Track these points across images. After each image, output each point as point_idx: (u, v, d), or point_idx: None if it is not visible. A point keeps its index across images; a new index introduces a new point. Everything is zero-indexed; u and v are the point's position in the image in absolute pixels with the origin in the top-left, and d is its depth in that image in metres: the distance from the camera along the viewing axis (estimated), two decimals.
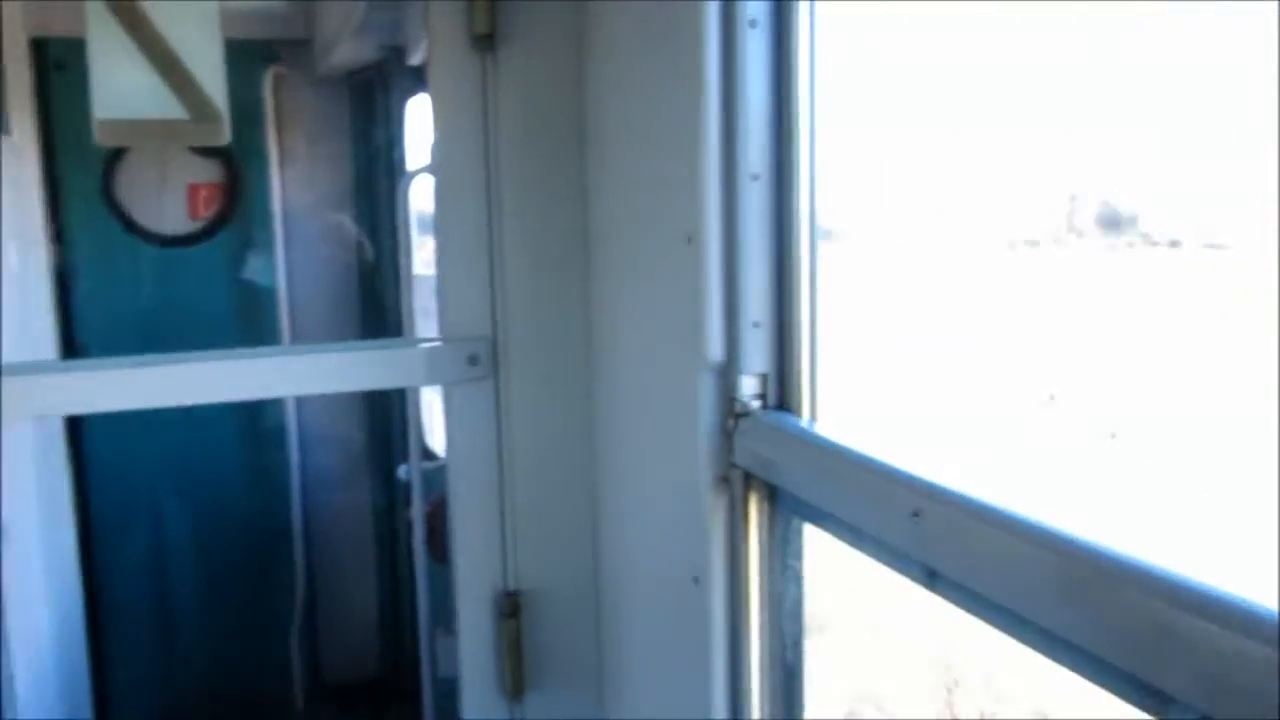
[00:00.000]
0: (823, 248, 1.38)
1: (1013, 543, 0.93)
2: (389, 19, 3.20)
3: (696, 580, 1.43)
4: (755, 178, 1.34)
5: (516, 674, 1.80)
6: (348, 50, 3.55)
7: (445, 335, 1.79)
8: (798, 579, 1.39)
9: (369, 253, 4.14)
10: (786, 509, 1.37)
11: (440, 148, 1.77)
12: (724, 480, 1.39)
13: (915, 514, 1.04)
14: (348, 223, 4.19)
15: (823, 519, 1.27)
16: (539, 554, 1.80)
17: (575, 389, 1.77)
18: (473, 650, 1.83)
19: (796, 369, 1.36)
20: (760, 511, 1.39)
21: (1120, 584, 0.80)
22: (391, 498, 4.04)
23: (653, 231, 1.49)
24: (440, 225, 1.79)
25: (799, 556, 1.39)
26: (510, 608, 1.80)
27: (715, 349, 1.38)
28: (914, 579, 1.11)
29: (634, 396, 1.60)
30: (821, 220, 1.37)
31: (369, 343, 2.37)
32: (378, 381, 1.98)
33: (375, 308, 4.11)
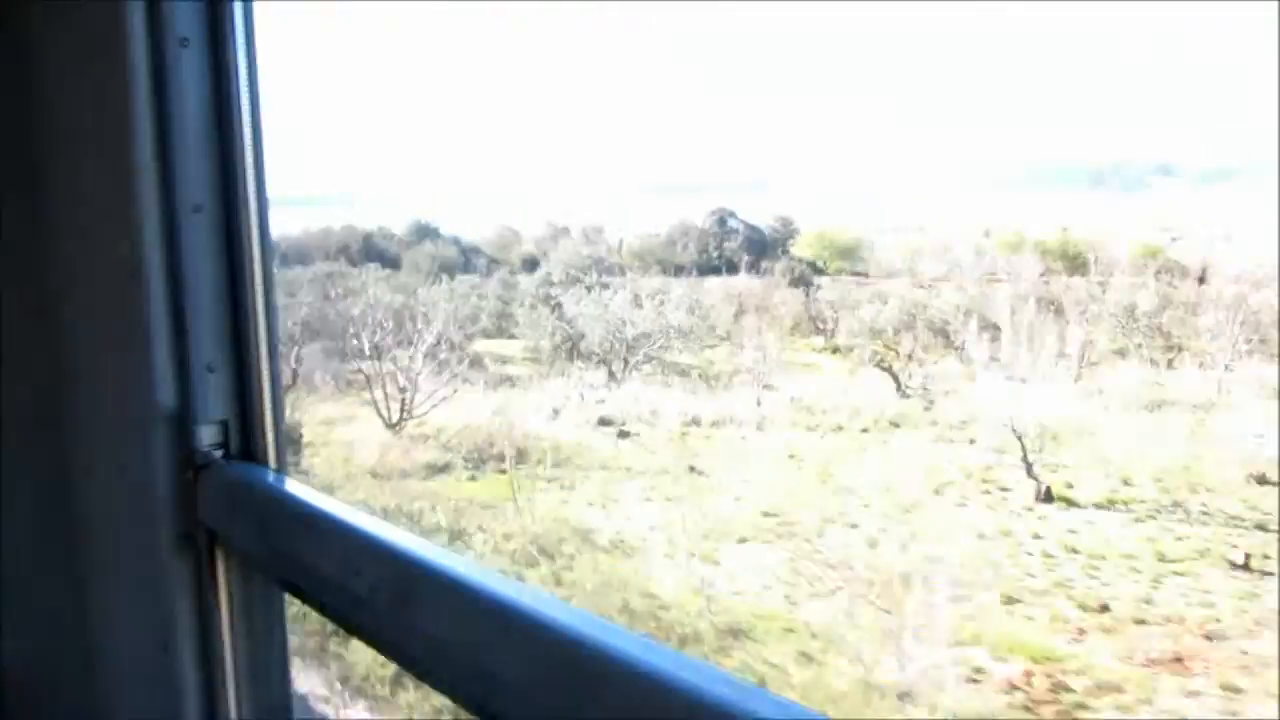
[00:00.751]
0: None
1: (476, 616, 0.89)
2: None
3: (165, 647, 1.29)
4: (198, 209, 1.23)
5: None
6: None
7: None
8: (280, 641, 1.30)
9: None
10: (257, 569, 1.27)
11: None
12: (188, 539, 1.27)
13: (378, 586, 0.99)
14: None
15: (295, 580, 1.18)
16: (18, 634, 1.57)
17: (37, 445, 1.52)
18: None
19: (258, 415, 1.27)
20: (230, 571, 1.27)
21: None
22: None
23: (98, 268, 1.33)
24: None
25: (280, 617, 1.30)
26: None
27: (166, 395, 1.25)
28: (384, 654, 1.05)
29: (97, 451, 1.42)
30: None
31: None
32: None
33: None
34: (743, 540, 13.87)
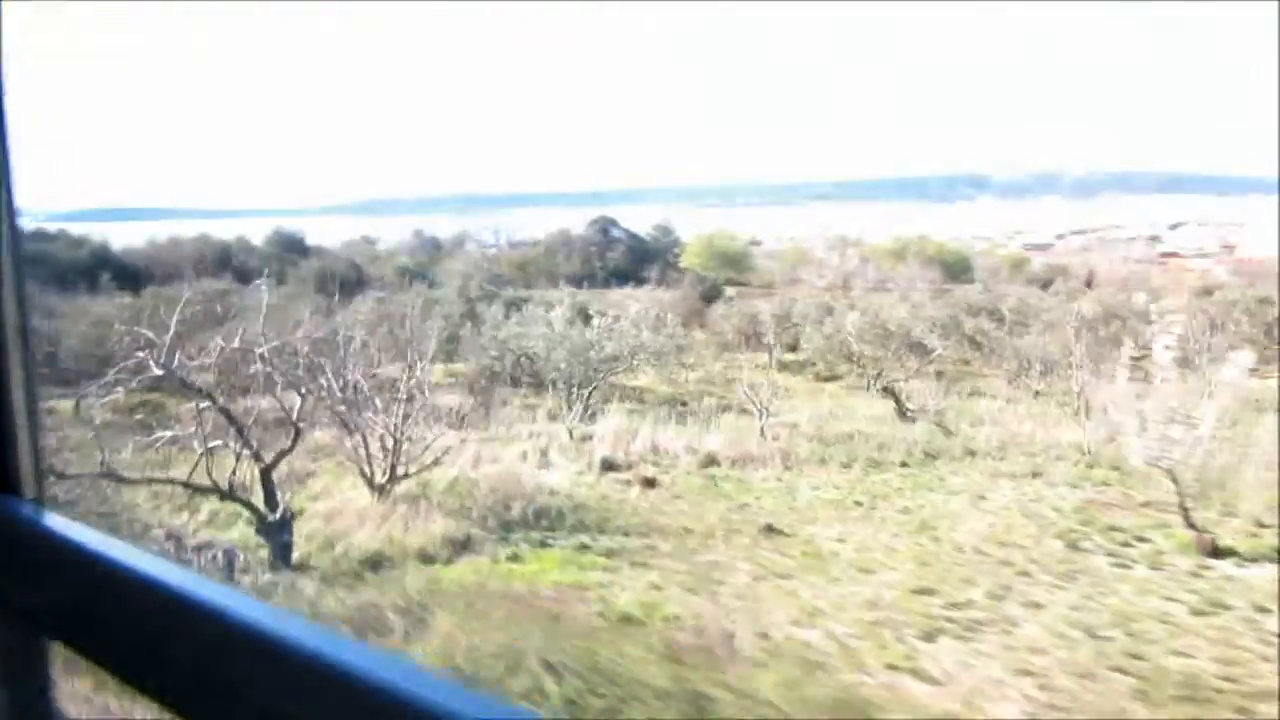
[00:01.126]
0: None
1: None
2: None
3: None
4: None
5: None
6: None
7: None
8: (46, 693, 1.14)
9: None
10: (16, 611, 1.13)
11: None
12: None
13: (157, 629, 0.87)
14: None
15: (62, 625, 1.04)
16: None
17: None
18: None
19: (13, 441, 1.14)
20: None
21: None
22: None
23: None
24: None
25: (45, 665, 1.14)
26: None
27: None
28: (168, 707, 0.90)
29: None
30: None
31: None
32: None
33: None
34: (928, 636, 10.26)
